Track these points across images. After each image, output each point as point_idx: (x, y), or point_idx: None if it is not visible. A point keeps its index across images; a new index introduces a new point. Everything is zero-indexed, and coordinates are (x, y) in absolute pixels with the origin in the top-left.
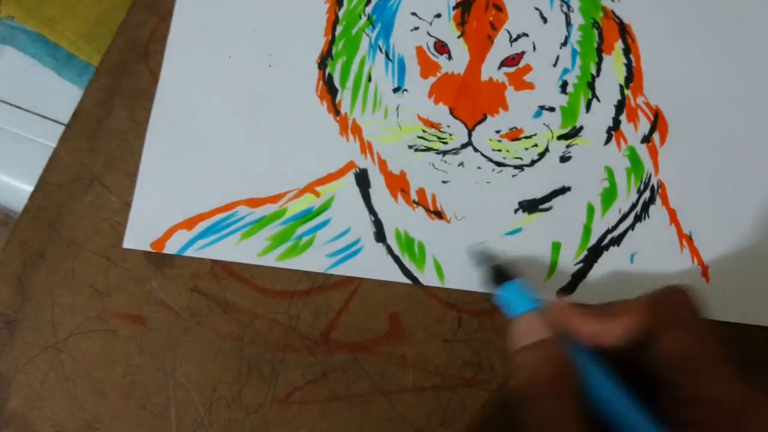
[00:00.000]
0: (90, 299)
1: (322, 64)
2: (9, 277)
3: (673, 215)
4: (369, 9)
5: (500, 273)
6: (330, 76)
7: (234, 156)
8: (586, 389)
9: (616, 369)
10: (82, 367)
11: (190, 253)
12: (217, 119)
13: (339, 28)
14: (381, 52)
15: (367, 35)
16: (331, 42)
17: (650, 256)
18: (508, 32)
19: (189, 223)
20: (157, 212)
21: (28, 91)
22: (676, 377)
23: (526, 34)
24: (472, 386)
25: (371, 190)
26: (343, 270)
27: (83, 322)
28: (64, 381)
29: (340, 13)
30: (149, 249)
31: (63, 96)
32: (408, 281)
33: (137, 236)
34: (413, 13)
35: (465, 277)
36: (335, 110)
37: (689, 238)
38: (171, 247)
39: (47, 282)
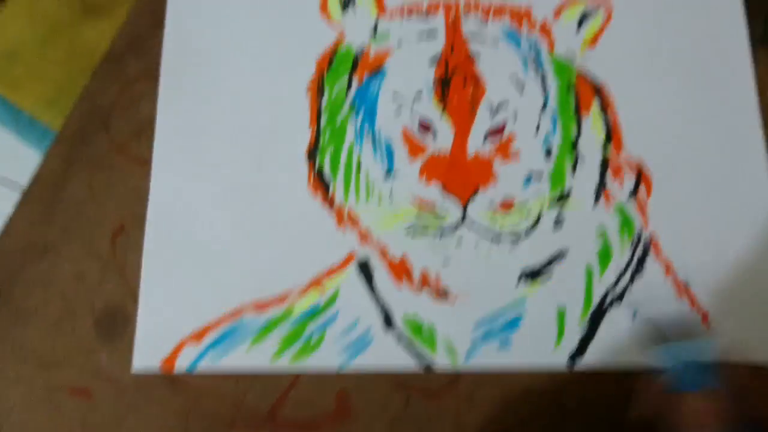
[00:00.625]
0: (36, 371)
1: (311, 156)
2: None
3: (668, 267)
4: (351, 96)
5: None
6: (320, 169)
7: (233, 260)
8: None
9: None
10: None
11: (203, 367)
12: (214, 224)
13: (323, 118)
14: (367, 138)
15: (352, 123)
16: (317, 133)
17: (652, 309)
18: (489, 104)
19: (197, 336)
20: (163, 328)
21: None
22: None
23: (506, 104)
24: None
25: (375, 279)
26: (358, 363)
27: (27, 394)
28: None
29: (323, 103)
30: (159, 370)
31: (23, 161)
32: (421, 367)
33: (146, 356)
34: (394, 96)
35: (476, 356)
36: (330, 202)
37: (686, 287)
38: (182, 363)
39: None
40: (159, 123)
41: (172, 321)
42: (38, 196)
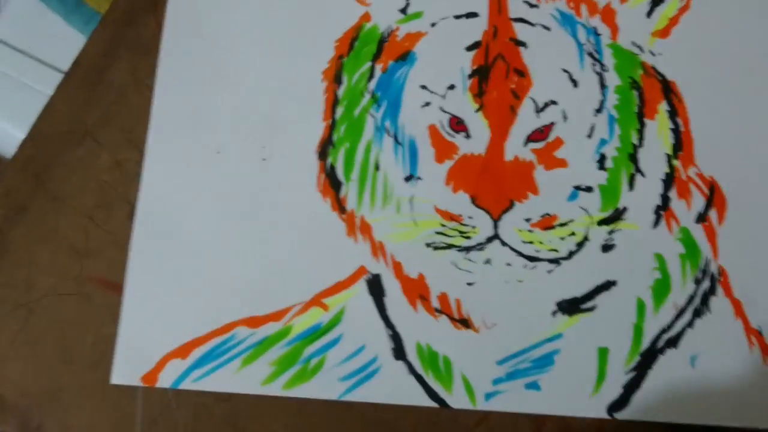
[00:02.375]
0: (68, 260)
1: (323, 153)
2: None
3: (738, 307)
4: (372, 85)
5: None
6: (332, 168)
7: (228, 268)
8: None
9: None
10: (52, 331)
11: (185, 385)
12: (207, 226)
13: (339, 110)
14: (389, 134)
15: (372, 116)
16: (332, 127)
17: (714, 357)
18: (534, 101)
19: (183, 351)
20: (146, 340)
21: (34, 37)
22: None
23: (554, 102)
24: None
25: (386, 299)
26: (360, 396)
27: (59, 283)
28: (33, 344)
29: (340, 92)
30: (140, 384)
31: (68, 43)
32: (434, 404)
33: (126, 369)
34: (423, 86)
35: (498, 397)
36: (340, 207)
37: (759, 334)
38: (164, 380)
39: (27, 237)
40: (155, 106)
41: (156, 333)
42: (80, 80)
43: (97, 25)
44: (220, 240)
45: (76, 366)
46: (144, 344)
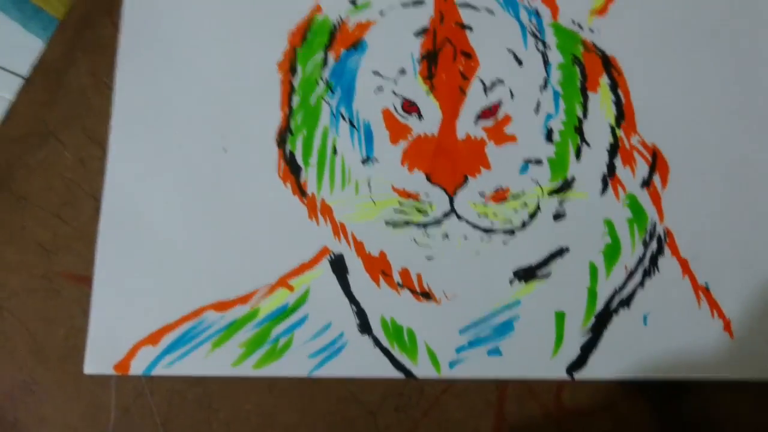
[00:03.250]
0: (36, 257)
1: (282, 141)
2: None
3: (685, 266)
4: (326, 73)
5: None
6: (291, 154)
7: (194, 255)
8: None
9: None
10: (23, 326)
11: (158, 371)
12: (172, 216)
13: (296, 99)
14: (344, 120)
15: (327, 103)
16: (289, 115)
17: (665, 314)
18: (482, 81)
19: (153, 338)
20: (117, 329)
21: None
22: None
23: (501, 81)
24: None
25: (350, 277)
26: (329, 371)
27: (28, 280)
28: (5, 340)
29: (295, 82)
30: (113, 372)
31: (27, 50)
32: (401, 375)
33: (98, 358)
34: (375, 72)
35: (462, 364)
36: (301, 191)
37: (706, 290)
38: (137, 367)
39: None
40: (116, 103)
41: (127, 321)
42: (41, 83)
43: (55, 29)
44: (184, 229)
45: (49, 359)
46: (115, 333)
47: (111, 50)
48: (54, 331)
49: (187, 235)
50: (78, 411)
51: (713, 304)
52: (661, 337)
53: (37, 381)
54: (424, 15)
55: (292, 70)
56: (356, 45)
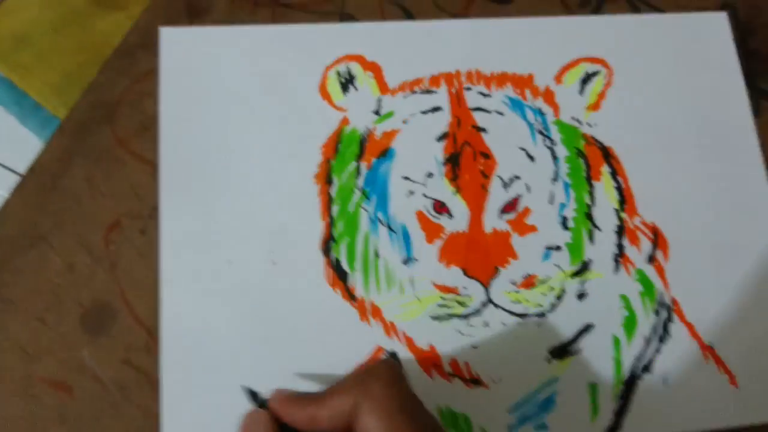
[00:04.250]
0: (18, 361)
1: (326, 249)
2: None
3: (691, 329)
4: (360, 182)
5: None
6: (337, 261)
7: (253, 371)
8: None
9: None
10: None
11: None
12: (230, 334)
13: (335, 208)
14: (382, 224)
15: (365, 209)
16: (330, 224)
17: (680, 374)
18: (501, 178)
19: None
20: None
21: None
22: None
23: (517, 177)
24: None
25: (404, 372)
26: None
27: (7, 384)
28: None
29: (332, 192)
30: None
31: (24, 146)
32: None
33: None
34: (405, 177)
35: None
36: (350, 295)
37: (711, 349)
38: None
39: None
40: (163, 225)
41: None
42: (35, 184)
43: (54, 130)
44: (241, 345)
45: None
46: None
47: (107, 159)
48: None
49: (245, 353)
50: None
51: (719, 361)
52: (679, 395)
53: None
54: (443, 120)
55: (329, 181)
56: (385, 153)
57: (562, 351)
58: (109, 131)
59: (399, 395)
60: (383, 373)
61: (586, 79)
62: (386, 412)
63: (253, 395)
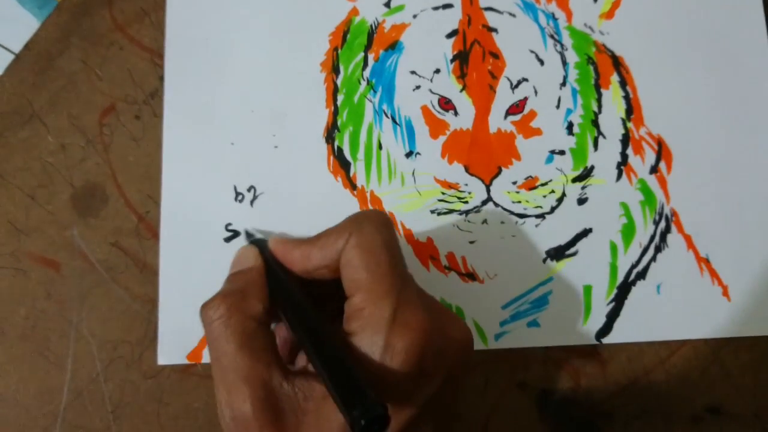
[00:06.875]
0: (6, 236)
1: (329, 137)
2: None
3: (689, 241)
4: (367, 73)
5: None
6: (340, 149)
7: None
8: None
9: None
10: None
11: None
12: (229, 212)
13: (340, 97)
14: (387, 116)
15: (370, 101)
16: (335, 113)
17: (674, 284)
18: (509, 79)
19: None
20: (185, 321)
21: None
22: (348, 293)
23: (526, 79)
24: None
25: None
26: None
27: None
28: None
29: (338, 81)
30: (186, 362)
31: (21, 26)
32: None
33: (170, 350)
34: (412, 72)
35: (506, 336)
36: (351, 184)
37: (707, 261)
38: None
39: None
40: (167, 105)
41: (194, 312)
42: (30, 63)
43: (51, 10)
44: (242, 223)
45: (7, 338)
46: (184, 325)
47: (105, 41)
48: (16, 309)
49: (247, 226)
50: (30, 390)
51: (713, 273)
52: (671, 304)
53: None
54: (453, 17)
55: (335, 70)
56: (393, 46)
57: (559, 253)
58: (108, 15)
59: (385, 236)
60: (375, 217)
61: None
62: (370, 245)
63: (248, 235)
